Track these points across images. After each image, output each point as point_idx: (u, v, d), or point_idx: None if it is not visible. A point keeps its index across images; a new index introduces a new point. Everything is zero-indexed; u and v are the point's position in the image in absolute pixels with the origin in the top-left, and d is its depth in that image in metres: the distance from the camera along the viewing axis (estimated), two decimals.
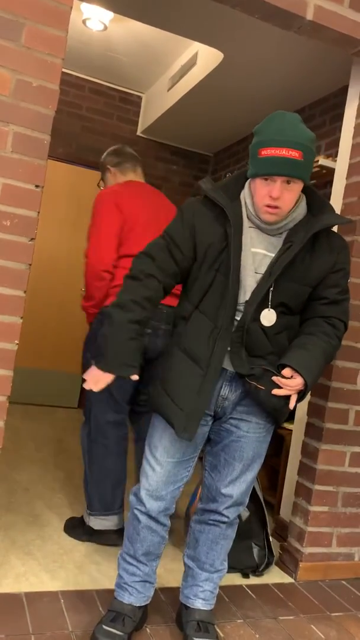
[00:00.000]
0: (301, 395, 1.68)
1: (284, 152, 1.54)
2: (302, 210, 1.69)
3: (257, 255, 1.66)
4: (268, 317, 1.65)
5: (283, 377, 1.63)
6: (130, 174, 2.52)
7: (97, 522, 2.36)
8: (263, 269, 1.65)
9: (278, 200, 1.59)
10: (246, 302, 1.64)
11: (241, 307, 1.65)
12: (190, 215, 1.69)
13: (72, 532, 2.44)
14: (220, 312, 1.66)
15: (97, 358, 1.65)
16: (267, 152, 1.55)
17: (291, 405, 1.67)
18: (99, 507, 2.35)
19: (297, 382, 1.63)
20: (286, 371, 1.64)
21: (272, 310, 1.65)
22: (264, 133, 1.58)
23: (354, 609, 2.23)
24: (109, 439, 2.33)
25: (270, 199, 1.59)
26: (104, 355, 1.63)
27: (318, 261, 1.68)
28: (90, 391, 1.78)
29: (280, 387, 1.64)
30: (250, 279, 1.64)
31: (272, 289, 1.63)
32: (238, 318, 1.66)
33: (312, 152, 1.58)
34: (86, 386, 1.67)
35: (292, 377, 1.64)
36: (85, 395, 2.47)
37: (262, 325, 1.65)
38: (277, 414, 1.72)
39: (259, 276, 1.65)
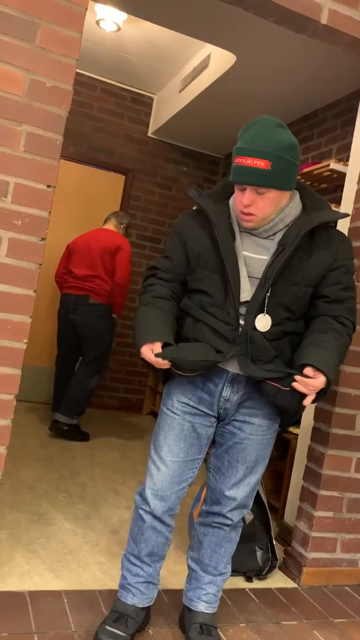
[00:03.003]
0: (323, 393, 1.64)
1: (249, 162, 1.55)
2: (293, 211, 1.68)
3: (247, 258, 1.67)
4: (263, 322, 1.65)
5: (306, 376, 1.59)
6: (104, 225, 4.24)
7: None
8: (257, 273, 1.66)
9: (250, 207, 1.61)
10: (246, 312, 1.65)
11: (242, 311, 1.66)
12: (180, 228, 1.78)
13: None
14: (217, 311, 1.68)
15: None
16: (237, 160, 1.58)
17: (307, 402, 1.64)
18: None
19: (321, 380, 1.59)
20: (309, 370, 1.60)
21: (267, 316, 1.65)
22: (240, 139, 1.60)
23: (357, 616, 2.22)
24: (57, 370, 4.22)
25: (242, 206, 1.62)
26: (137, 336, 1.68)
27: (315, 259, 1.67)
28: None
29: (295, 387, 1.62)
30: (243, 280, 1.66)
31: (268, 294, 1.64)
32: (241, 327, 1.66)
33: (286, 159, 1.56)
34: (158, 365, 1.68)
35: (313, 376, 1.60)
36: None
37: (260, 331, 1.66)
38: (291, 413, 1.74)
39: (255, 281, 1.66)
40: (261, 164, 1.54)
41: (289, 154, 1.56)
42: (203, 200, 1.72)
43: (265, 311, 1.65)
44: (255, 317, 1.65)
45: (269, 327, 1.65)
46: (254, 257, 1.67)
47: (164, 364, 1.62)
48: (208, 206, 1.70)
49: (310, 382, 1.59)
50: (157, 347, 1.63)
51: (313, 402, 1.65)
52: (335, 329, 1.69)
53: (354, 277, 1.75)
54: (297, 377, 1.60)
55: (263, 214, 1.62)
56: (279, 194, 1.62)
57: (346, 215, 1.72)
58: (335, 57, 3.18)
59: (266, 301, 1.64)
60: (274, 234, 1.68)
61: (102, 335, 3.97)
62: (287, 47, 3.20)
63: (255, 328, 1.65)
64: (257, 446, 1.76)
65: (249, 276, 1.66)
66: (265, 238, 1.68)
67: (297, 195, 1.71)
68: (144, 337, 1.64)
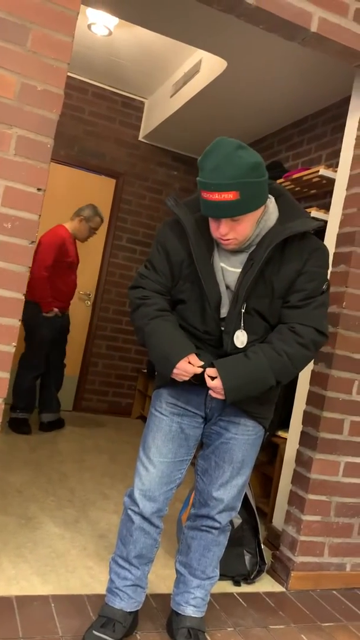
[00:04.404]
0: (227, 398, 1.64)
1: (216, 197, 1.50)
2: (269, 222, 1.66)
3: (224, 270, 1.68)
4: (241, 338, 1.66)
5: (209, 375, 1.64)
6: None
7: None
8: (234, 287, 1.67)
9: (228, 234, 1.59)
10: (225, 328, 1.67)
11: (222, 324, 1.68)
12: (162, 239, 1.75)
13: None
14: (198, 324, 1.70)
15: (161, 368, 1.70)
16: (204, 195, 1.54)
17: (211, 393, 1.66)
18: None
19: (214, 384, 1.62)
20: (210, 370, 1.64)
21: (243, 332, 1.66)
22: (202, 171, 1.53)
23: (345, 620, 2.23)
24: None
25: (220, 235, 1.60)
26: (165, 360, 1.66)
27: (285, 270, 1.66)
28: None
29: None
30: (223, 294, 1.67)
31: (243, 310, 1.65)
32: (222, 339, 1.68)
33: (253, 183, 1.51)
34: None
35: (213, 376, 1.64)
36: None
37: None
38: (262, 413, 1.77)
39: (231, 293, 1.67)
40: (229, 196, 1.49)
41: (254, 176, 1.51)
42: (180, 210, 1.70)
43: (242, 327, 1.66)
44: (234, 333, 1.66)
45: (245, 343, 1.67)
46: (229, 270, 1.68)
47: (200, 369, 1.64)
48: (185, 217, 1.68)
49: (207, 381, 1.64)
50: (194, 358, 1.64)
51: (224, 401, 1.66)
52: (283, 339, 1.65)
53: (325, 285, 1.70)
54: (205, 372, 1.64)
55: (243, 237, 1.62)
56: (254, 214, 1.60)
57: (319, 224, 1.68)
58: (325, 64, 3.21)
59: (242, 317, 1.65)
60: (248, 247, 1.67)
61: (27, 331, 3.98)
62: (277, 54, 3.22)
63: (235, 345, 1.67)
64: (243, 446, 1.78)
65: (227, 289, 1.67)
66: (241, 251, 1.68)
67: (272, 203, 1.68)
68: (179, 353, 1.64)
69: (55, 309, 3.94)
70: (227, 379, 1.61)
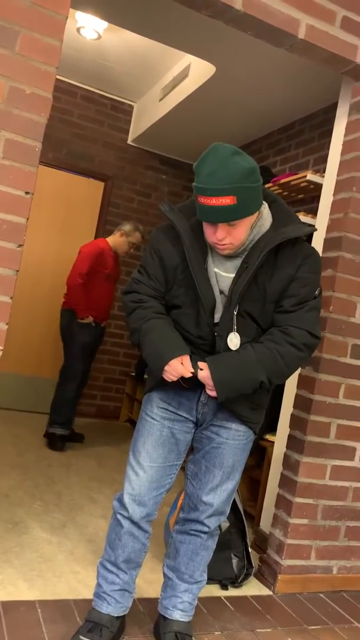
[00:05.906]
0: (218, 393, 1.65)
1: (214, 201, 1.52)
2: (262, 228, 1.68)
3: (218, 275, 1.69)
4: (234, 341, 1.67)
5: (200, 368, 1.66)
6: None
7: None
8: (226, 291, 1.68)
9: (225, 239, 1.61)
10: (218, 330, 1.68)
11: (215, 328, 1.69)
12: (155, 244, 1.76)
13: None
14: (192, 328, 1.71)
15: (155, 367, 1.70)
16: (200, 200, 1.55)
17: (208, 391, 1.68)
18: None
19: (203, 375, 1.64)
20: (200, 364, 1.65)
21: (237, 334, 1.67)
22: (198, 176, 1.54)
23: (331, 623, 2.24)
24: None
25: (216, 239, 1.61)
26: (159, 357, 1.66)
27: (278, 275, 1.67)
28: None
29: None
30: (217, 299, 1.68)
31: (236, 312, 1.66)
32: (215, 343, 1.69)
33: (248, 188, 1.52)
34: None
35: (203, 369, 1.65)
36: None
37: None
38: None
39: (224, 298, 1.68)
40: (226, 200, 1.51)
41: (250, 181, 1.53)
42: (174, 215, 1.71)
43: (235, 330, 1.67)
44: (227, 336, 1.67)
45: (238, 346, 1.68)
46: (223, 275, 1.69)
47: (190, 373, 1.64)
48: (179, 223, 1.69)
49: (198, 373, 1.65)
50: (187, 360, 1.65)
51: (216, 399, 1.68)
52: (274, 340, 1.67)
53: (317, 290, 1.71)
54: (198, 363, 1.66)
55: (239, 242, 1.63)
56: (249, 218, 1.62)
57: (312, 230, 1.70)
58: (313, 71, 3.24)
59: (235, 320, 1.66)
60: (243, 251, 1.69)
61: (65, 340, 4.02)
62: (266, 60, 3.25)
63: (228, 348, 1.68)
64: (234, 451, 1.78)
65: (220, 293, 1.68)
66: (235, 256, 1.69)
67: (266, 209, 1.70)
68: (173, 352, 1.65)
69: (91, 317, 3.96)
70: (215, 370, 1.62)
